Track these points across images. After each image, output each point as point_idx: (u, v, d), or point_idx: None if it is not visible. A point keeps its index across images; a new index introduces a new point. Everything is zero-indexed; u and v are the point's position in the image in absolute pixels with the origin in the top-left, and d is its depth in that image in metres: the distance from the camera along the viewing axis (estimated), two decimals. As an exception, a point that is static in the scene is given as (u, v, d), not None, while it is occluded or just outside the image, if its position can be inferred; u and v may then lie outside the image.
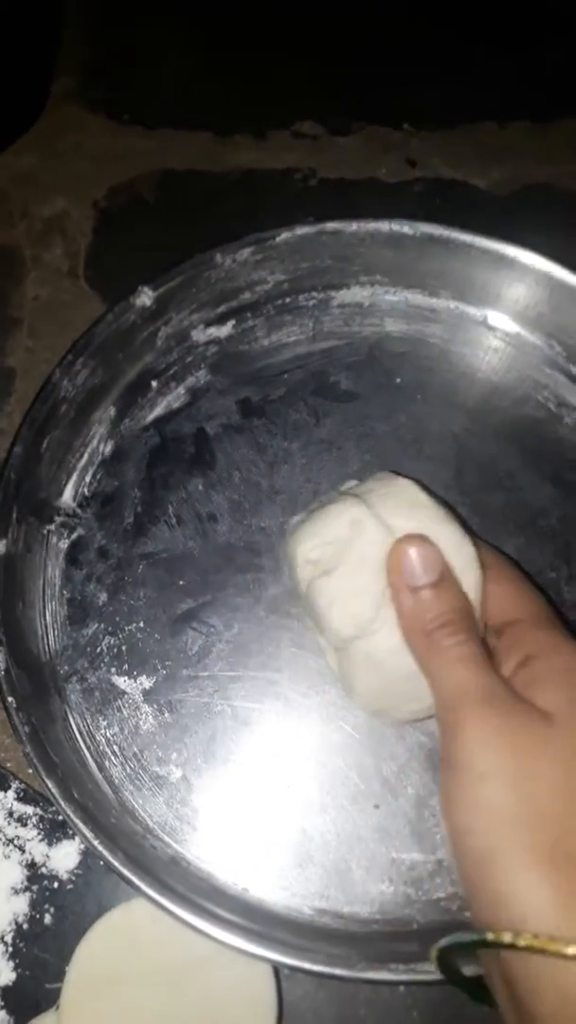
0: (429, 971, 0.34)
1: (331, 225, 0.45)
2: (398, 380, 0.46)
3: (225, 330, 0.46)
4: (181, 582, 0.42)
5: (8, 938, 0.37)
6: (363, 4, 0.59)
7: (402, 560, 0.31)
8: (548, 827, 0.26)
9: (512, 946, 0.24)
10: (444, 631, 0.30)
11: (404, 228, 0.45)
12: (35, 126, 0.55)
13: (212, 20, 0.59)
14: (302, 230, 0.44)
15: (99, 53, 0.58)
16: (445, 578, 0.31)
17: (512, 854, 0.26)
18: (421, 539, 0.32)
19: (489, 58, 0.57)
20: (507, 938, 0.24)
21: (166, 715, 0.40)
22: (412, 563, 0.31)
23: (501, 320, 0.46)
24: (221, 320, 0.46)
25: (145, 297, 0.43)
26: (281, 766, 0.39)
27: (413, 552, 0.31)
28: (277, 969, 0.36)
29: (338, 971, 0.34)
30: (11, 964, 0.36)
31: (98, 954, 0.35)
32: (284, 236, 0.44)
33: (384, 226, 0.45)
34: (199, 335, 0.46)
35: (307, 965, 0.34)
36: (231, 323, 0.46)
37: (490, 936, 0.25)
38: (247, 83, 0.57)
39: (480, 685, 0.29)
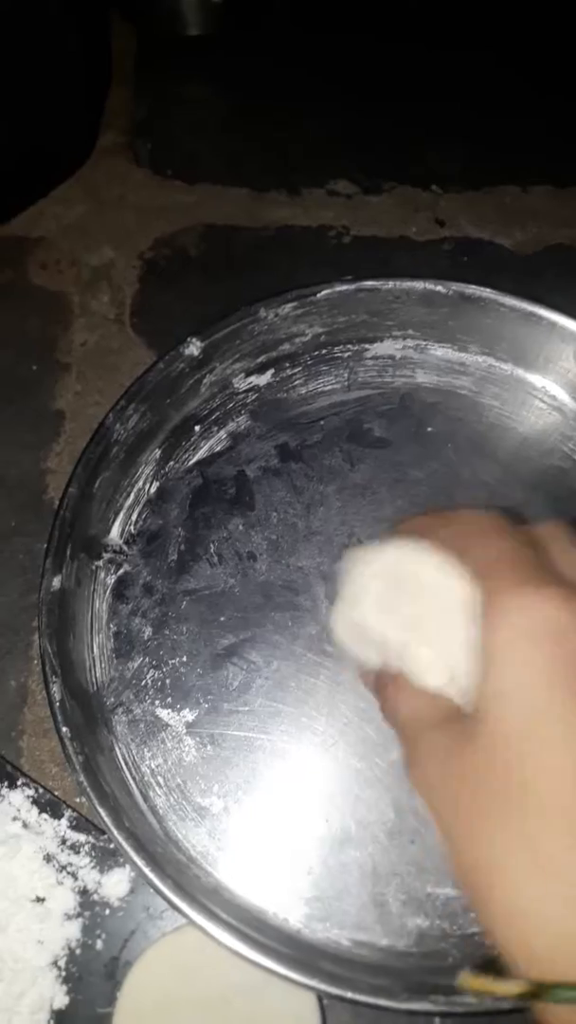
0: (467, 1004, 0.35)
1: (368, 283, 0.47)
2: (429, 429, 0.48)
3: (265, 379, 0.48)
4: (222, 618, 0.44)
5: (62, 963, 0.37)
6: (394, 70, 0.62)
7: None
8: None
9: None
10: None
11: (437, 287, 0.47)
12: (83, 179, 0.57)
13: (249, 80, 0.62)
14: (341, 287, 0.47)
15: (143, 109, 0.61)
16: None
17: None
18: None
19: (512, 125, 0.60)
20: None
21: (208, 748, 0.41)
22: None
23: (529, 375, 0.48)
24: (261, 369, 0.48)
25: (193, 347, 0.45)
26: (319, 800, 0.41)
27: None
28: (321, 998, 0.37)
29: (382, 1001, 0.35)
30: (64, 988, 0.37)
31: (148, 981, 0.36)
32: (324, 292, 0.47)
33: (418, 285, 0.47)
34: (240, 383, 0.48)
35: (352, 995, 0.35)
36: (271, 372, 0.48)
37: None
38: (283, 141, 0.60)
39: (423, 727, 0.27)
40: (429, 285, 0.47)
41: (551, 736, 0.24)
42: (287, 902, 0.39)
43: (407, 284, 0.47)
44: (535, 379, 0.48)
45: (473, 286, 0.47)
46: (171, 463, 0.47)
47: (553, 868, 0.23)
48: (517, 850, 0.24)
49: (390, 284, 0.47)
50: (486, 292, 0.47)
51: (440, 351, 0.49)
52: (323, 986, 0.35)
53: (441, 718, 0.27)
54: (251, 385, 0.48)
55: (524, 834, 0.24)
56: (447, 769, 0.26)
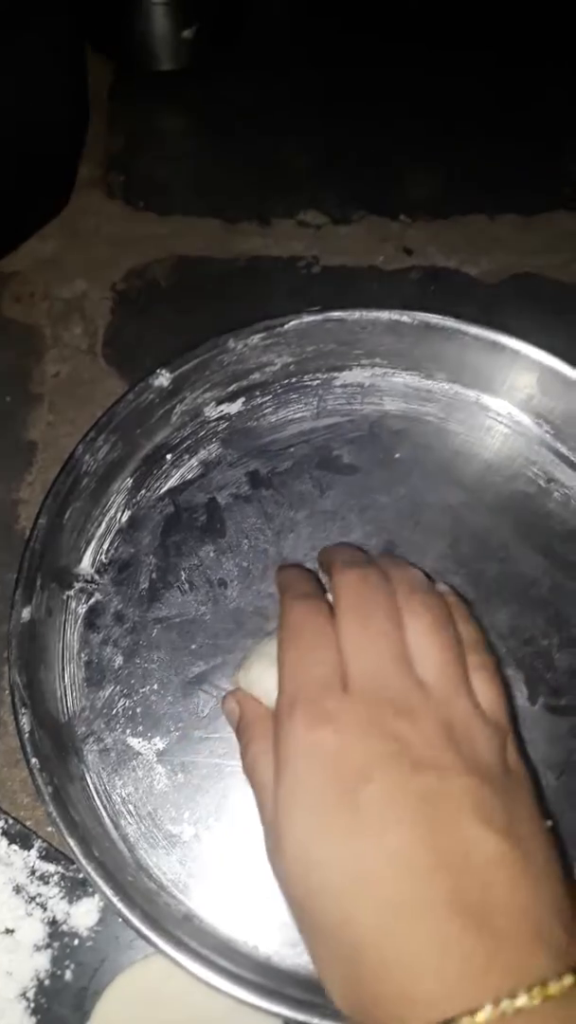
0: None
1: (335, 314, 0.48)
2: (397, 455, 0.49)
3: (235, 407, 0.49)
4: (193, 646, 0.44)
5: (31, 994, 0.37)
6: (362, 104, 0.63)
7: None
8: None
9: None
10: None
11: (403, 317, 0.48)
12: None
13: (221, 114, 0.63)
14: (309, 318, 0.48)
15: (117, 142, 0.62)
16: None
17: None
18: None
19: (479, 156, 0.62)
20: None
21: (179, 775, 0.42)
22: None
23: (493, 401, 0.49)
24: (232, 398, 0.49)
25: (163, 378, 0.46)
26: (288, 825, 0.41)
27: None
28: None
29: (346, 1026, 0.35)
30: (33, 1019, 0.37)
31: (116, 1010, 0.36)
32: (292, 323, 0.48)
33: (384, 315, 0.48)
34: (211, 412, 0.49)
35: (318, 1021, 0.35)
36: (241, 400, 0.49)
37: None
38: (254, 173, 0.61)
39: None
40: (394, 315, 0.48)
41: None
42: (258, 929, 0.39)
43: (373, 314, 0.48)
44: (500, 406, 0.49)
45: (437, 316, 0.48)
46: (143, 492, 0.47)
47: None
48: None
49: (356, 314, 0.48)
50: (450, 321, 0.48)
51: (407, 379, 0.50)
52: (290, 1013, 0.35)
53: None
54: (222, 413, 0.49)
55: None
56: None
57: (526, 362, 0.48)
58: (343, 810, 0.29)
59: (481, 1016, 0.25)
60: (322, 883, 0.29)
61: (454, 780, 0.30)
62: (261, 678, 0.37)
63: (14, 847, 0.40)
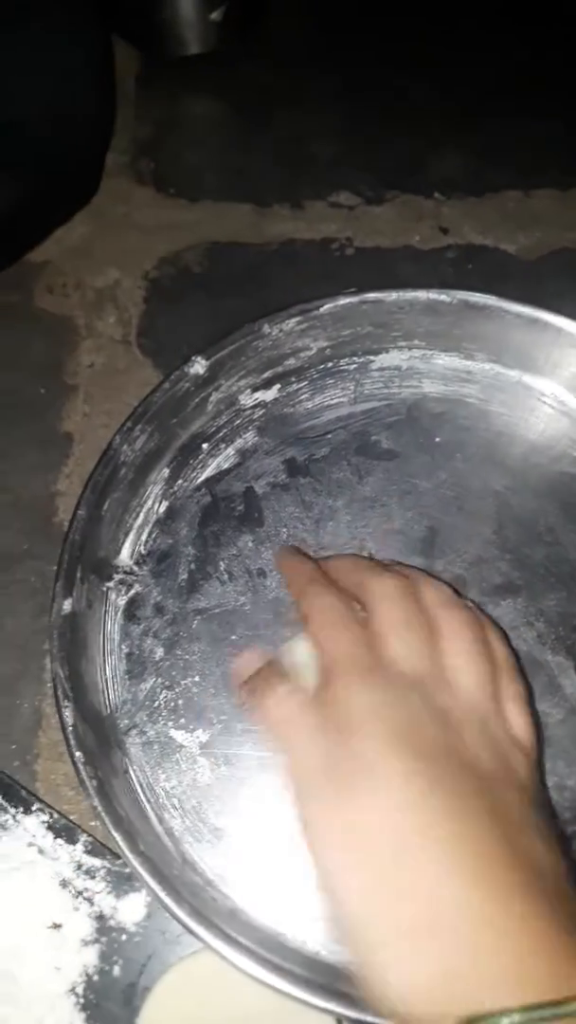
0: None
1: (371, 295, 0.47)
2: (437, 439, 0.48)
3: (271, 394, 0.48)
4: (233, 636, 0.44)
5: (79, 990, 0.37)
6: (393, 79, 0.62)
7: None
8: None
9: None
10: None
11: (441, 296, 0.47)
12: (87, 200, 0.58)
13: (249, 97, 0.62)
14: (344, 300, 0.47)
15: (145, 128, 0.61)
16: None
17: None
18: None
19: (513, 129, 0.60)
20: None
21: (223, 768, 0.41)
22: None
23: (537, 381, 0.48)
24: (267, 385, 0.48)
25: (198, 366, 0.45)
26: (335, 818, 0.40)
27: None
28: (339, 1021, 0.36)
29: (400, 1023, 0.34)
30: (83, 1015, 0.37)
31: (166, 1007, 0.36)
32: (328, 306, 0.47)
33: (422, 295, 0.47)
34: (246, 399, 0.48)
35: (371, 1018, 0.34)
36: (276, 387, 0.48)
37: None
38: (284, 156, 0.60)
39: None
40: (432, 295, 0.47)
41: None
42: (305, 924, 0.38)
43: (410, 294, 0.47)
44: (543, 385, 0.48)
45: (477, 294, 0.47)
46: (179, 482, 0.47)
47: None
48: None
49: (393, 295, 0.47)
50: (490, 299, 0.47)
51: (446, 360, 0.49)
52: (342, 1009, 0.34)
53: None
54: (257, 401, 0.48)
55: None
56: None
57: (570, 339, 0.46)
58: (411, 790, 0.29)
59: None
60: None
61: (503, 792, 0.30)
62: None
63: (60, 841, 0.39)
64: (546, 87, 0.62)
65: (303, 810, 0.31)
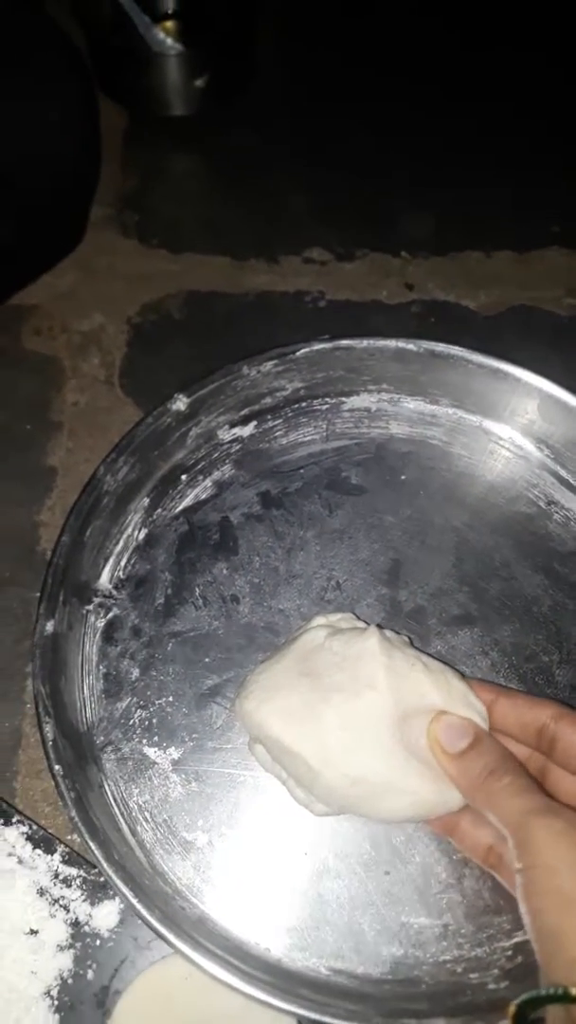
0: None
1: (344, 342, 0.50)
2: (403, 477, 0.51)
3: (248, 430, 0.51)
4: (207, 659, 0.46)
5: (54, 992, 0.39)
6: (364, 144, 0.67)
7: (442, 733, 0.37)
8: None
9: None
10: (493, 777, 0.35)
11: (409, 345, 0.50)
12: (75, 250, 0.61)
13: (230, 156, 0.67)
14: (319, 346, 0.50)
15: (131, 183, 0.65)
16: (479, 739, 0.37)
17: None
18: (446, 715, 0.37)
19: (477, 195, 0.65)
20: None
21: (193, 784, 0.43)
22: (450, 733, 0.37)
23: (495, 426, 0.51)
24: (244, 421, 0.51)
25: (180, 403, 0.48)
26: (298, 833, 0.42)
27: (446, 725, 0.37)
28: (300, 1023, 0.38)
29: (357, 1024, 0.36)
30: (57, 1017, 0.38)
31: (136, 1009, 0.37)
32: (303, 351, 0.50)
33: (391, 343, 0.50)
34: (224, 434, 0.51)
35: (329, 1019, 0.36)
36: (253, 424, 0.51)
37: (574, 991, 0.29)
38: (262, 213, 0.64)
39: (540, 803, 0.33)
40: (401, 343, 0.51)
41: None
42: (268, 932, 0.40)
43: (380, 343, 0.51)
44: (501, 430, 0.52)
45: (442, 344, 0.50)
46: (159, 511, 0.49)
47: None
48: None
49: (364, 343, 0.51)
50: (454, 349, 0.50)
51: (412, 404, 0.52)
52: (302, 1011, 0.36)
53: None
54: (235, 436, 0.51)
55: None
56: None
57: (527, 389, 0.50)
58: None
59: None
60: None
61: None
62: (255, 712, 0.38)
63: (38, 851, 0.41)
64: (508, 160, 0.67)
65: None
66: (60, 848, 0.41)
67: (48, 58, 0.52)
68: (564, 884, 0.31)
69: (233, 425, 0.51)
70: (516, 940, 0.40)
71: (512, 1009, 0.31)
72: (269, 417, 0.52)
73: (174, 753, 0.44)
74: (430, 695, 0.38)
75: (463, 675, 0.40)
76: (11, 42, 0.50)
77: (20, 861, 0.40)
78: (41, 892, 0.40)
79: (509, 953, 0.40)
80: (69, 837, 0.43)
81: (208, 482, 0.50)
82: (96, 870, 0.40)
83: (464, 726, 0.37)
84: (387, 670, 0.38)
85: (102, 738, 0.44)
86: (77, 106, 0.56)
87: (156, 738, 0.44)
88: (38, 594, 0.44)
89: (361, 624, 0.42)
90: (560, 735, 0.36)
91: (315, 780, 0.37)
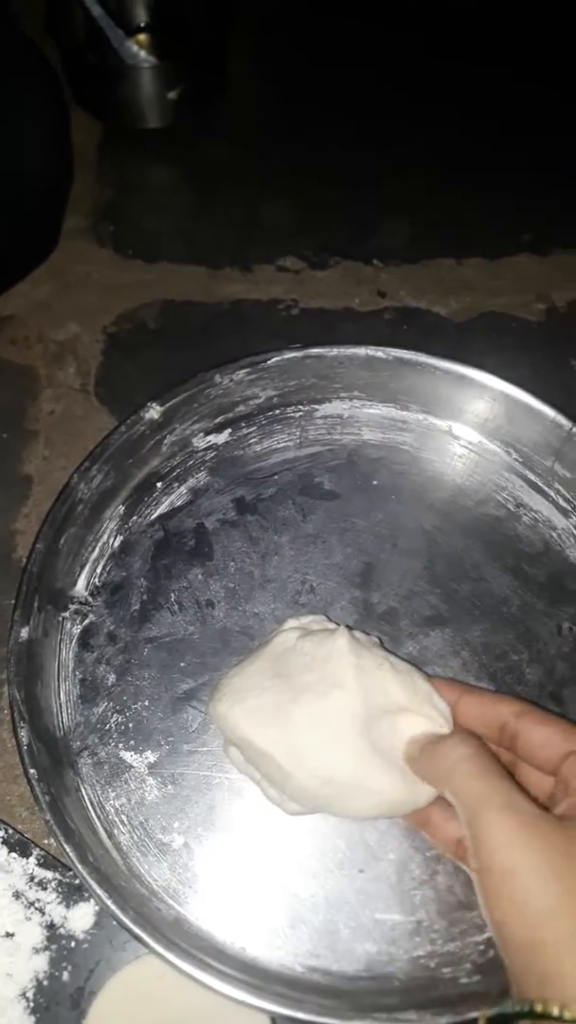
0: (409, 1019, 0.37)
1: (315, 350, 0.51)
2: (375, 482, 0.51)
3: (222, 438, 0.52)
4: (182, 664, 0.46)
5: (30, 994, 0.39)
6: (334, 156, 0.68)
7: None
8: None
9: (560, 1018, 0.27)
10: (456, 752, 0.35)
11: (378, 353, 0.51)
12: (49, 260, 0.62)
13: (204, 166, 0.68)
14: (290, 354, 0.51)
15: (106, 194, 0.66)
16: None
17: (558, 943, 0.29)
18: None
19: (448, 203, 0.66)
20: (555, 1010, 0.27)
21: (169, 787, 0.44)
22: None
23: (464, 431, 0.52)
24: (219, 429, 0.52)
25: (153, 411, 0.49)
26: (274, 834, 0.43)
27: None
28: (274, 1020, 0.39)
29: (328, 1020, 0.37)
30: (32, 1018, 0.38)
31: (112, 1009, 0.37)
32: (275, 359, 0.51)
33: (361, 351, 0.51)
34: (199, 442, 0.52)
35: (301, 1015, 0.37)
36: (227, 431, 0.52)
37: (539, 1007, 0.28)
38: (236, 223, 0.65)
39: (499, 791, 0.32)
40: (371, 351, 0.51)
41: None
42: (244, 932, 0.41)
43: (351, 351, 0.52)
44: (469, 434, 0.52)
45: (410, 352, 0.51)
46: (134, 518, 0.50)
47: None
48: None
49: (335, 351, 0.52)
50: (422, 356, 0.51)
51: (383, 410, 0.53)
52: (275, 1008, 0.37)
53: None
54: (209, 444, 0.52)
55: None
56: None
57: (493, 394, 0.51)
58: None
59: None
60: None
61: None
62: (228, 714, 0.39)
63: (13, 855, 0.41)
64: (481, 168, 0.68)
65: None
66: (36, 851, 0.42)
67: (18, 69, 0.53)
68: (527, 893, 0.30)
69: (208, 433, 0.52)
70: (488, 935, 0.41)
71: (481, 1021, 0.31)
72: (243, 424, 0.52)
73: (150, 756, 0.44)
74: (396, 694, 0.38)
75: (428, 675, 0.40)
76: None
77: (-4, 865, 0.41)
78: (17, 895, 0.41)
79: (481, 948, 0.41)
80: (46, 841, 0.44)
81: (183, 489, 0.51)
82: (71, 872, 0.41)
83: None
84: (355, 669, 0.38)
85: (78, 743, 0.44)
86: (48, 116, 0.56)
87: (132, 742, 0.44)
88: (13, 601, 0.45)
89: (332, 626, 0.43)
90: (520, 731, 0.36)
91: (287, 780, 0.38)
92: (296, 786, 0.38)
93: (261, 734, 0.38)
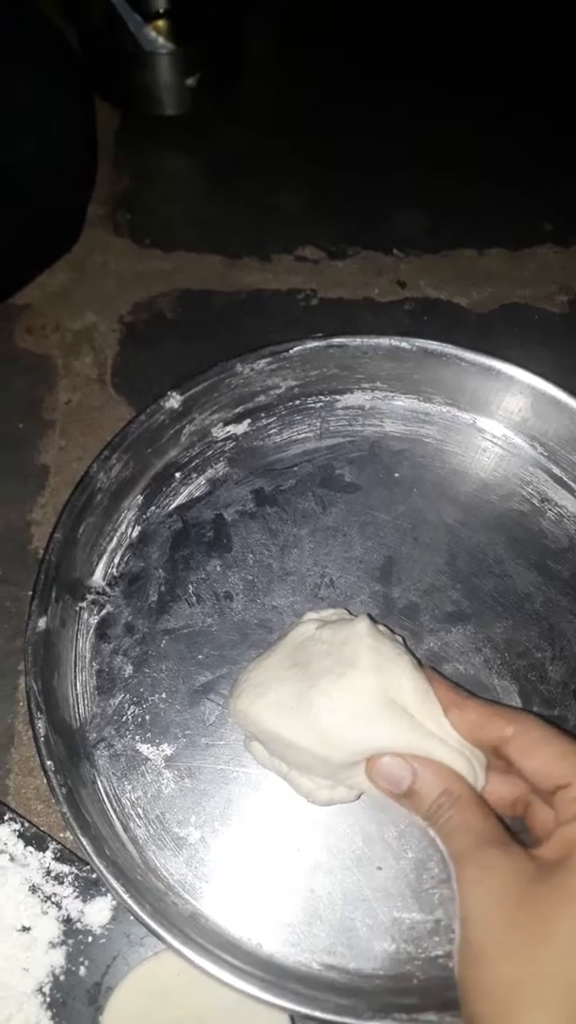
0: (429, 1020, 0.36)
1: (338, 340, 0.50)
2: (396, 475, 0.51)
3: (242, 428, 0.51)
4: (200, 656, 0.46)
5: (47, 989, 0.39)
6: (353, 144, 0.67)
7: (381, 781, 0.36)
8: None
9: None
10: (440, 812, 0.35)
11: (402, 343, 0.50)
12: (68, 248, 0.61)
13: (222, 155, 0.67)
14: (312, 344, 0.50)
15: (124, 183, 0.65)
16: (418, 775, 0.36)
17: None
18: (380, 759, 0.36)
19: (470, 193, 0.65)
20: None
21: (186, 780, 0.43)
22: (390, 779, 0.36)
23: (489, 424, 0.52)
24: (238, 419, 0.51)
25: (174, 400, 0.48)
26: (291, 829, 0.42)
27: (384, 772, 0.36)
28: (294, 1019, 0.38)
29: (347, 1020, 0.36)
30: (49, 1013, 0.38)
31: (129, 1005, 0.37)
32: (297, 349, 0.50)
33: (384, 341, 0.50)
34: (218, 432, 0.51)
35: (318, 1014, 0.36)
36: (247, 422, 0.51)
37: None
38: (254, 211, 0.64)
39: (477, 848, 0.33)
40: (394, 341, 0.51)
41: None
42: (261, 928, 0.40)
43: (374, 340, 0.51)
44: (495, 428, 0.52)
45: (435, 342, 0.50)
46: (152, 508, 0.49)
47: None
48: None
49: (358, 341, 0.51)
50: (447, 348, 0.50)
51: (406, 402, 0.52)
52: (293, 1006, 0.36)
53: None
54: (229, 434, 0.51)
55: None
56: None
57: (520, 386, 0.50)
58: None
59: None
60: None
61: None
62: (249, 709, 0.38)
63: (30, 849, 0.41)
64: (500, 158, 0.67)
65: None
66: (52, 845, 0.41)
67: (45, 57, 0.52)
68: (503, 971, 0.30)
69: (227, 423, 0.51)
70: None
71: None
72: (263, 415, 0.52)
73: (167, 749, 0.44)
74: (408, 694, 0.37)
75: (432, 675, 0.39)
76: (8, 41, 0.50)
77: (12, 858, 0.40)
78: (33, 889, 0.40)
79: (502, 948, 0.40)
80: (62, 834, 0.43)
81: (202, 480, 0.50)
82: (88, 867, 0.40)
83: (400, 764, 0.36)
84: (372, 651, 0.37)
85: (95, 735, 0.44)
86: (75, 104, 0.55)
87: (149, 734, 0.44)
88: (30, 592, 0.44)
89: (352, 618, 0.42)
90: (512, 758, 0.35)
91: (326, 765, 0.37)
92: (340, 764, 0.37)
93: (286, 725, 0.37)
